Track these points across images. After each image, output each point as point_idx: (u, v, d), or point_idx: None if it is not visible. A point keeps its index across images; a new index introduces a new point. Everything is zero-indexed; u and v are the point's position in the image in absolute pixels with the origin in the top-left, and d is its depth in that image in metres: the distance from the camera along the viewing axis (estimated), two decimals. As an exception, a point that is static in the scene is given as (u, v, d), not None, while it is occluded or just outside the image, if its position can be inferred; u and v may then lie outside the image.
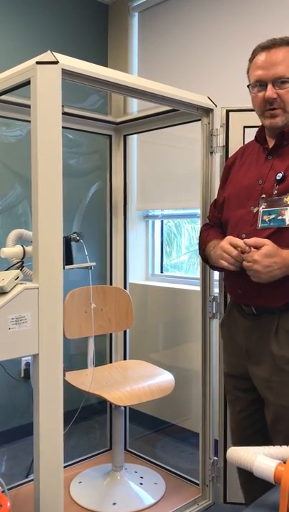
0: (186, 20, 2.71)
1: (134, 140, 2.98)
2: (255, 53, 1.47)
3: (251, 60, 1.49)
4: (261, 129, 1.57)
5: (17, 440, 2.66)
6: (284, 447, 0.83)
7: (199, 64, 2.65)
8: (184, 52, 2.73)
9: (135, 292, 2.81)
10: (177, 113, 2.02)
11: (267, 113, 1.46)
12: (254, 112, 1.55)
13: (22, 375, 2.71)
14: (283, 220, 1.40)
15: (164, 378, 2.08)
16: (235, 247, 1.40)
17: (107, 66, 3.04)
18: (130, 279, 2.61)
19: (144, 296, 2.92)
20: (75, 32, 2.95)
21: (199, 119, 1.93)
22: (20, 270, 1.48)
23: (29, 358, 2.71)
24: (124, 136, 2.42)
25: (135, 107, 2.98)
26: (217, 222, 1.70)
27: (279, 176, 1.43)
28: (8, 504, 1.15)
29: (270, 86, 1.42)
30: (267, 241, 1.35)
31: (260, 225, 1.44)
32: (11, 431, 2.67)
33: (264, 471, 0.78)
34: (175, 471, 2.25)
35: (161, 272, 3.12)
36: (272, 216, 1.42)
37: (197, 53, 2.65)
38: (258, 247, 1.35)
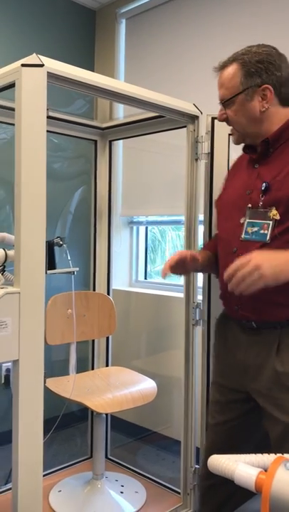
0: (173, 28, 2.73)
1: (119, 145, 2.98)
2: None
3: None
4: None
5: (-4, 448, 2.62)
6: (265, 455, 0.82)
7: (185, 71, 2.67)
8: (170, 59, 2.75)
9: (119, 298, 2.79)
10: (163, 119, 2.02)
11: None
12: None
13: (2, 381, 2.67)
14: (264, 235, 1.35)
15: (147, 385, 2.06)
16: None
17: (93, 71, 3.04)
18: (114, 285, 2.59)
19: (128, 303, 2.91)
20: (62, 37, 2.94)
21: (185, 126, 1.94)
22: (2, 274, 1.46)
23: (10, 363, 2.67)
24: (110, 142, 2.42)
25: (121, 113, 2.98)
26: None
27: (263, 185, 1.37)
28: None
29: (220, 107, 1.48)
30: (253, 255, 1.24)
31: (243, 236, 1.41)
32: (-10, 438, 2.63)
33: (245, 480, 0.77)
34: (156, 479, 2.23)
35: (145, 278, 3.11)
36: (255, 229, 1.38)
37: (183, 60, 2.67)
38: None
